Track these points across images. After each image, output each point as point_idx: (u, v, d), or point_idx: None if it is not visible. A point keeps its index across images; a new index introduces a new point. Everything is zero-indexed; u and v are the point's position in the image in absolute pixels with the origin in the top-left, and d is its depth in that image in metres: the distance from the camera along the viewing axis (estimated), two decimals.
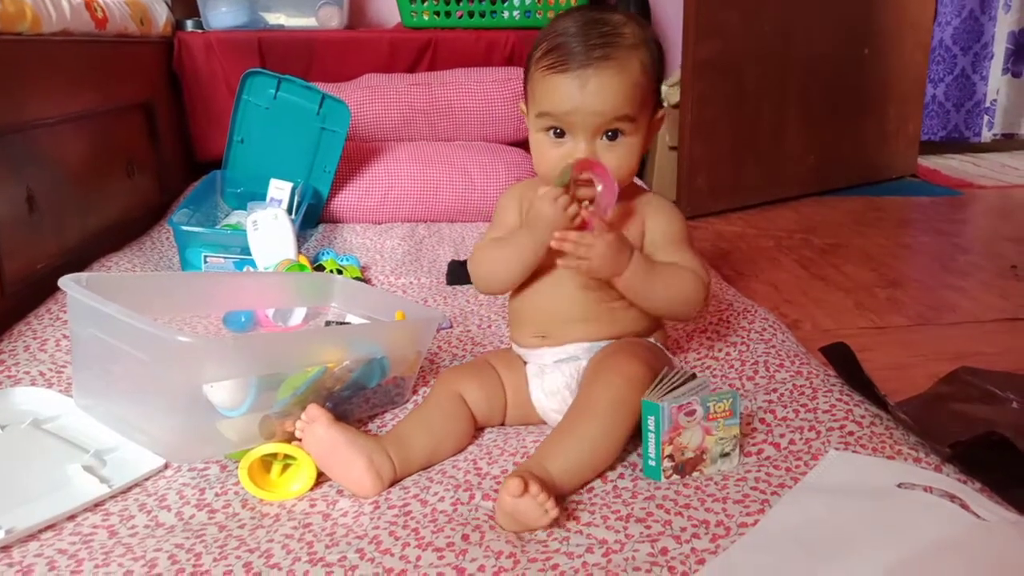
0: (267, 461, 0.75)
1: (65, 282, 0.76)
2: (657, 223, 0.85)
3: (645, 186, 0.95)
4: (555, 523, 0.66)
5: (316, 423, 0.73)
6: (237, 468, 0.74)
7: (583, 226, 0.79)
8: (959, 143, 3.16)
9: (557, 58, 0.78)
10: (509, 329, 0.92)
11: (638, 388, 0.75)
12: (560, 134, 0.80)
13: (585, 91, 0.77)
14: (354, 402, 0.86)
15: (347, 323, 1.02)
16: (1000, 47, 3.08)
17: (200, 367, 0.71)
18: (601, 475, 0.74)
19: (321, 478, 0.75)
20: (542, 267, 0.86)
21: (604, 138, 0.79)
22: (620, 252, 0.79)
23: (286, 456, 0.75)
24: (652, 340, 0.88)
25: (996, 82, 3.11)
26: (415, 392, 0.94)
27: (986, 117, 3.13)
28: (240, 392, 0.73)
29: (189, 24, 1.92)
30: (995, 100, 3.13)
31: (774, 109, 2.23)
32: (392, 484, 0.74)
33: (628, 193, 0.86)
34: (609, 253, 0.77)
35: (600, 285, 0.83)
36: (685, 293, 0.83)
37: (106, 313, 0.70)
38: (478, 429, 0.85)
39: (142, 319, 0.69)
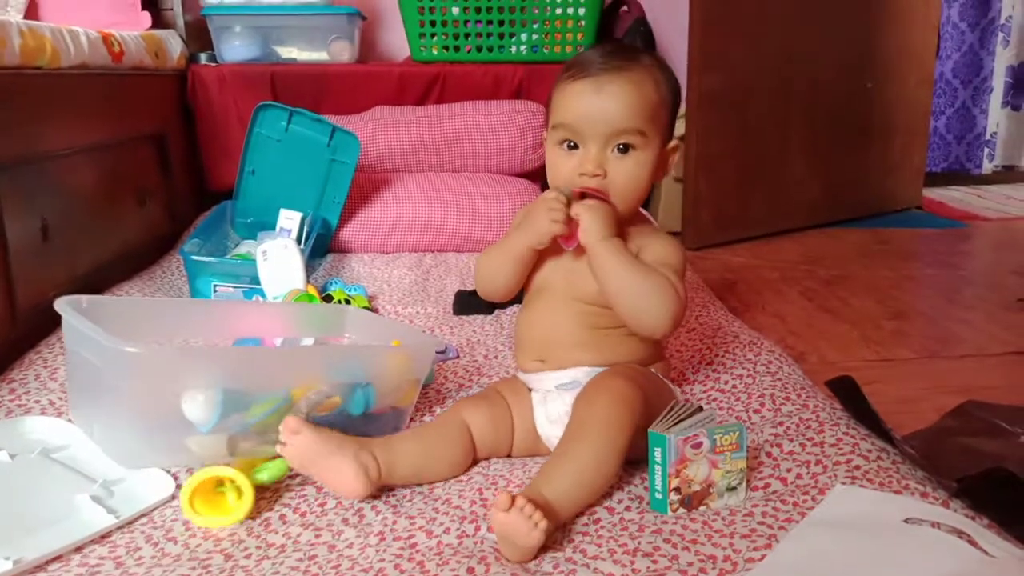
0: (220, 491, 0.75)
1: (59, 304, 0.80)
2: (653, 250, 0.86)
3: (653, 220, 0.96)
4: (554, 547, 0.67)
5: (299, 434, 0.75)
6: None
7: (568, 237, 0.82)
8: (960, 175, 3.19)
9: (578, 69, 0.84)
10: (514, 356, 0.93)
11: (624, 406, 0.75)
12: (573, 146, 0.83)
13: (600, 95, 0.81)
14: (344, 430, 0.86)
15: None
16: (999, 81, 3.12)
17: (154, 376, 0.76)
18: (603, 501, 0.75)
19: (331, 506, 0.75)
20: (542, 291, 0.88)
21: (615, 151, 0.82)
22: (610, 219, 0.81)
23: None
24: (652, 370, 0.88)
25: (996, 115, 3.14)
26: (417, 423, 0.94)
27: (986, 149, 3.16)
28: (211, 409, 0.76)
29: (203, 57, 1.95)
30: (995, 133, 3.16)
31: (779, 141, 2.24)
32: (378, 487, 0.76)
33: (633, 221, 0.87)
34: (601, 211, 0.81)
35: (597, 311, 0.85)
36: (658, 289, 0.81)
37: (76, 328, 0.76)
38: (483, 459, 0.85)
39: (97, 330, 0.74)
